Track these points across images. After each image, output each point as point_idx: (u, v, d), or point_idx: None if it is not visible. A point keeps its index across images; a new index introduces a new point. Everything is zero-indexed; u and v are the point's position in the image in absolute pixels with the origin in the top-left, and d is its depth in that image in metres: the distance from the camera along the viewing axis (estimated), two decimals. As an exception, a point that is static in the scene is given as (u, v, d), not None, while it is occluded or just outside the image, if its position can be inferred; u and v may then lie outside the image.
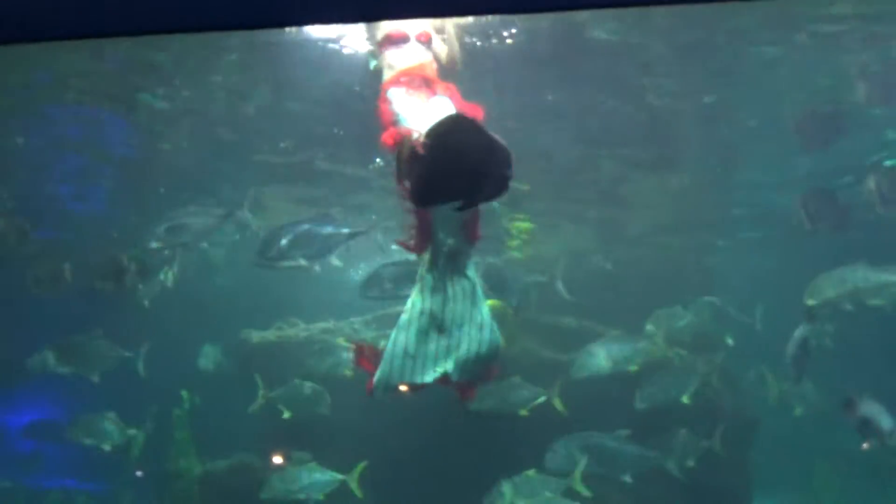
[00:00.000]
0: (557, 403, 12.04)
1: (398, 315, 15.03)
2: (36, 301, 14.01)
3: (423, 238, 6.40)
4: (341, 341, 13.60)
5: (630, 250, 18.58)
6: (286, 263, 11.48)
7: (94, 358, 13.45)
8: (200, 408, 14.41)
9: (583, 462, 11.49)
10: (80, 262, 13.60)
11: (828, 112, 11.33)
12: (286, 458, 13.64)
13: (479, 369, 6.58)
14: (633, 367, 12.21)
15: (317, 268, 11.66)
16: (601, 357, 12.23)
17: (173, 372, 15.77)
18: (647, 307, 14.16)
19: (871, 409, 10.29)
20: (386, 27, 6.49)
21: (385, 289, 13.15)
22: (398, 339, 6.33)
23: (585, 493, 11.51)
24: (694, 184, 15.66)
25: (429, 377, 6.41)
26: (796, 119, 11.53)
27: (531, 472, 11.50)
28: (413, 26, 6.50)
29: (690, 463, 12.18)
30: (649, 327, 13.50)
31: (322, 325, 15.66)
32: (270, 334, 15.36)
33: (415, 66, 6.37)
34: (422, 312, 6.36)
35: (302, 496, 12.32)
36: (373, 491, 12.44)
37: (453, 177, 5.61)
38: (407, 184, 5.89)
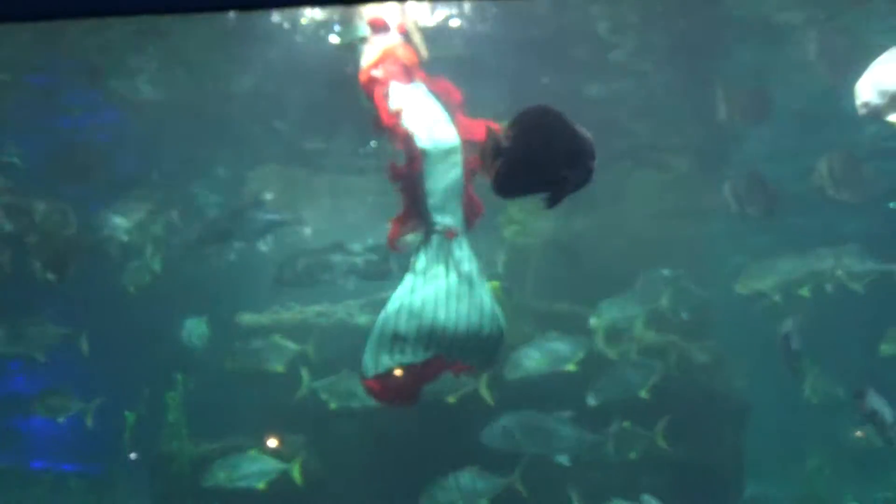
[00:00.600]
0: (485, 393, 12.04)
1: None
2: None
3: (412, 218, 6.31)
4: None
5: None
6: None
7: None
8: (194, 391, 14.35)
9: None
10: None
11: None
12: (279, 441, 13.65)
13: (481, 354, 6.39)
14: (571, 367, 12.02)
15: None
16: (535, 357, 12.07)
17: (166, 354, 15.77)
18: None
19: (877, 401, 10.41)
20: (367, 14, 6.45)
21: (299, 275, 13.16)
22: (387, 320, 6.17)
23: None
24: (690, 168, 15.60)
25: (419, 356, 6.19)
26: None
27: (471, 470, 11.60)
28: (392, 16, 6.48)
29: (633, 455, 11.99)
30: (593, 321, 13.01)
31: (317, 308, 15.64)
32: (265, 317, 15.33)
33: (397, 52, 6.35)
34: (413, 291, 6.21)
35: (243, 484, 12.34)
36: (369, 476, 12.50)
37: (539, 169, 5.59)
38: (484, 175, 5.83)
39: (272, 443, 13.48)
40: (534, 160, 5.56)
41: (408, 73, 6.28)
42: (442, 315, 6.05)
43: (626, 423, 12.26)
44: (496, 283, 12.87)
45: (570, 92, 11.52)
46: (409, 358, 6.15)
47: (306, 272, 12.59)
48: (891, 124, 6.28)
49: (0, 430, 13.81)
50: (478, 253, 6.44)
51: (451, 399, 11.91)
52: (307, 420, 13.35)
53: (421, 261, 6.21)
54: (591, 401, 12.01)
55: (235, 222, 12.99)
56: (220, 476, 12.31)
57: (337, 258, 12.21)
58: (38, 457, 17.76)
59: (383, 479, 13.14)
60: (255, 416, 14.14)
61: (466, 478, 11.58)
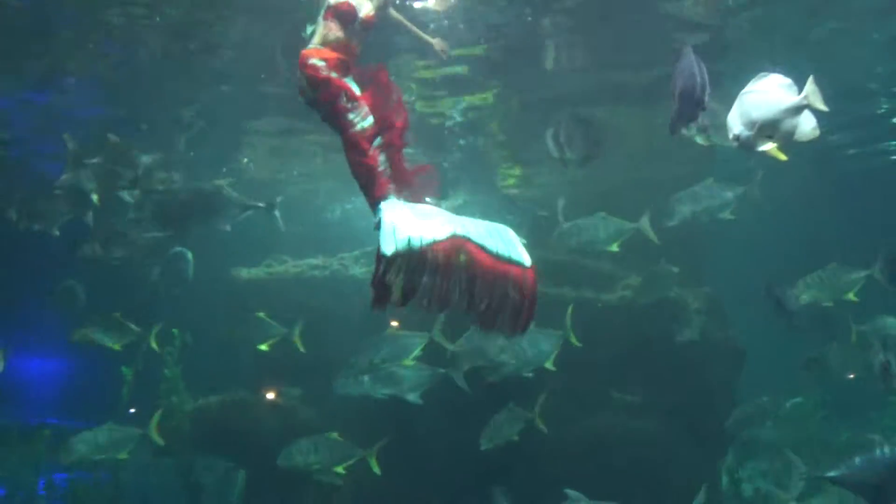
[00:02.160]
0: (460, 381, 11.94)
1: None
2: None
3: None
4: None
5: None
6: None
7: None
8: (192, 345, 14.39)
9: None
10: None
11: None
12: (277, 394, 13.76)
13: (506, 255, 5.59)
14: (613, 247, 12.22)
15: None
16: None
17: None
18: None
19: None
20: None
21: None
22: (396, 218, 5.58)
23: None
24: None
25: (443, 234, 5.47)
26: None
27: None
28: (361, 5, 6.27)
29: (515, 438, 12.07)
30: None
31: (311, 261, 15.66)
32: (261, 271, 15.35)
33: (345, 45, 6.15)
34: (412, 208, 5.79)
35: (101, 456, 12.45)
36: (366, 426, 12.63)
37: (692, 101, 6.53)
38: None
39: (270, 395, 13.61)
40: (691, 94, 6.50)
41: (345, 67, 6.12)
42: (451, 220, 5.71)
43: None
44: None
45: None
46: (431, 236, 5.47)
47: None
48: (766, 154, 6.22)
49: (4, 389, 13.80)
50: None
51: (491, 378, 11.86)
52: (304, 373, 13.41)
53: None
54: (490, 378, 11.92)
55: (199, 204, 11.73)
56: (79, 450, 12.31)
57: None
58: (36, 413, 17.85)
59: (380, 430, 13.30)
60: (253, 370, 14.22)
61: None
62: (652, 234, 12.25)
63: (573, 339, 11.84)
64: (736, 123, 6.25)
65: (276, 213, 11.61)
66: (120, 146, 11.31)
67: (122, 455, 12.29)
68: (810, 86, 5.96)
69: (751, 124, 6.15)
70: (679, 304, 13.86)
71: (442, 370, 11.88)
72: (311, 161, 18.27)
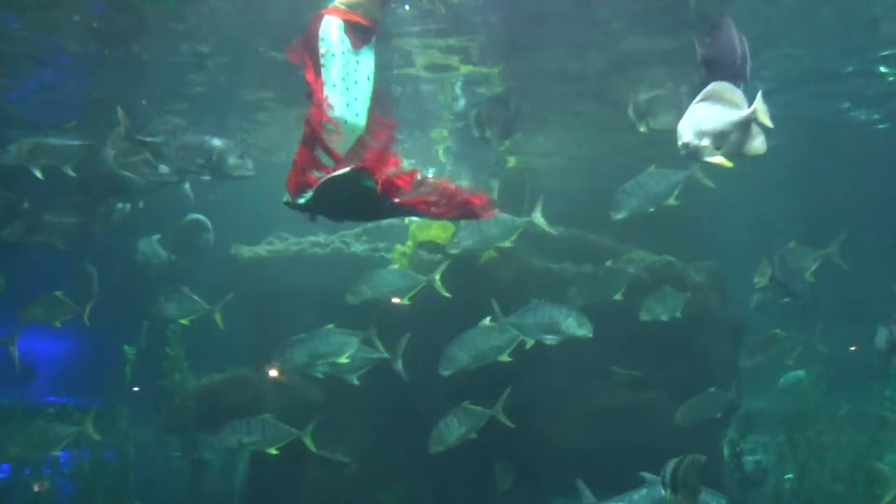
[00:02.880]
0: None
1: (389, 228, 15.11)
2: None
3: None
4: None
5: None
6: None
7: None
8: (194, 323, 14.39)
9: None
10: None
11: None
12: (280, 372, 13.78)
13: None
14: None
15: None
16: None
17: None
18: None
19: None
20: None
21: None
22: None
23: None
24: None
25: None
26: None
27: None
28: None
29: (474, 435, 12.15)
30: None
31: (312, 238, 15.64)
32: (261, 249, 15.33)
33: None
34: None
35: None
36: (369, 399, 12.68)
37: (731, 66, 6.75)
38: None
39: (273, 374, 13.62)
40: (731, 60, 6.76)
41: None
42: None
43: None
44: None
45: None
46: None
47: None
48: (713, 164, 6.25)
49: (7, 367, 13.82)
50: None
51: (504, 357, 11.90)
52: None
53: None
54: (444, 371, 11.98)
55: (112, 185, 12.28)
56: None
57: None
58: (42, 391, 17.91)
59: (382, 409, 13.37)
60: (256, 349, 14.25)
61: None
62: (707, 180, 11.91)
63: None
64: (686, 132, 6.30)
65: (186, 186, 11.75)
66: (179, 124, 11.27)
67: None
68: (759, 102, 6.10)
69: (700, 135, 6.22)
70: (683, 277, 13.89)
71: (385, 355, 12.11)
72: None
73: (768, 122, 6.08)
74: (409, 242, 13.76)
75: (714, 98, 6.27)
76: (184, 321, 13.68)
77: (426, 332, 12.23)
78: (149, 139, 7.50)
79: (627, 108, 10.39)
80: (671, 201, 11.80)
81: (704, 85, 6.45)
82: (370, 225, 15.26)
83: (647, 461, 13.04)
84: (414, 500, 13.30)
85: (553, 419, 13.11)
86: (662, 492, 8.62)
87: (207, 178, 9.90)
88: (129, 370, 14.79)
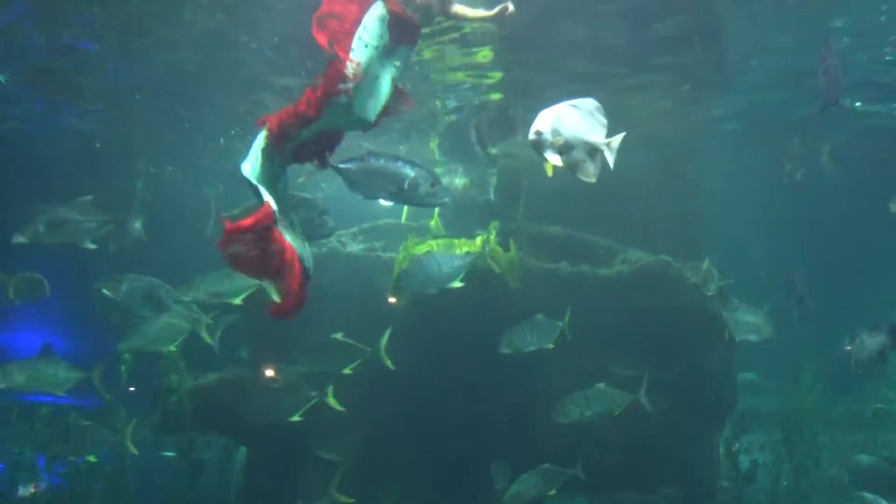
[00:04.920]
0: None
1: (386, 227, 15.07)
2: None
3: None
4: None
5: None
6: None
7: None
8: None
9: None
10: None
11: None
12: (277, 371, 13.76)
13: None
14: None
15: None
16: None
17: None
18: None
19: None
20: None
21: None
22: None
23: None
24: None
25: None
26: None
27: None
28: None
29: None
30: None
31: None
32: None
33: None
34: None
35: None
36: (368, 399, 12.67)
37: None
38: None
39: (270, 373, 13.60)
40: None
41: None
42: None
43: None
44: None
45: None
46: None
47: None
48: (548, 162, 6.31)
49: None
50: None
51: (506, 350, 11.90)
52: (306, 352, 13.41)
53: None
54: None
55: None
56: None
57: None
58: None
59: (379, 405, 13.36)
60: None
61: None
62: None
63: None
64: (544, 124, 6.31)
65: (137, 224, 11.99)
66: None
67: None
68: (617, 140, 6.33)
69: (556, 133, 6.27)
70: (679, 278, 13.88)
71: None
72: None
73: (611, 163, 6.31)
74: (401, 255, 13.46)
75: (584, 110, 6.39)
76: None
77: (425, 332, 12.21)
78: (341, 165, 7.58)
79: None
80: None
81: (827, 94, 8.20)
82: (366, 225, 15.29)
83: (644, 460, 13.16)
84: (410, 498, 13.29)
85: (550, 419, 13.10)
86: None
87: (390, 204, 9.95)
88: (124, 369, 14.77)
